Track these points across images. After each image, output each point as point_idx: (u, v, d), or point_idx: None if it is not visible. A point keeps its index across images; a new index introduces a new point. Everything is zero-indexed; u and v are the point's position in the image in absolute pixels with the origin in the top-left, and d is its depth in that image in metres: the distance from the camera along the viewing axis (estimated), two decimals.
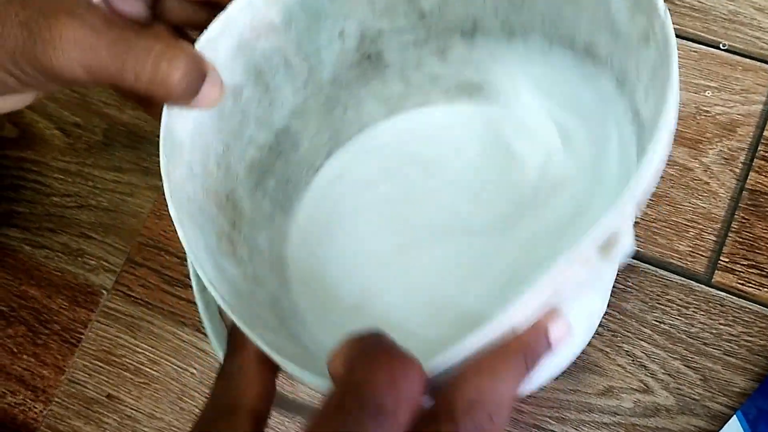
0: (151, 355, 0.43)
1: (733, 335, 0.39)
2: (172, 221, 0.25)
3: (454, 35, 0.35)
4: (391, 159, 0.39)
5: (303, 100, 0.35)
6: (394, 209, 0.38)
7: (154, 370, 0.43)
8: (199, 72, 0.26)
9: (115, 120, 0.49)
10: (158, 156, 0.27)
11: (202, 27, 0.28)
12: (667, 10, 0.25)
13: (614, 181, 0.33)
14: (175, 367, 0.43)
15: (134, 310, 0.44)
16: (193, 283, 0.30)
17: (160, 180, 0.26)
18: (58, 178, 0.48)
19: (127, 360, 0.43)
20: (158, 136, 0.27)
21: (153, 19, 0.31)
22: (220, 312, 0.29)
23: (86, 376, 0.44)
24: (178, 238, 0.25)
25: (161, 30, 0.31)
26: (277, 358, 0.23)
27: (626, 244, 0.23)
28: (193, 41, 0.28)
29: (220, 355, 0.27)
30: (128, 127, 0.48)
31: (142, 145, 0.48)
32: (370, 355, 0.20)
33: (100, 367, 0.44)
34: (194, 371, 0.43)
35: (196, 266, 0.25)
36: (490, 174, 0.37)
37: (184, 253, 0.25)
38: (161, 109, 0.27)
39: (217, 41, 0.29)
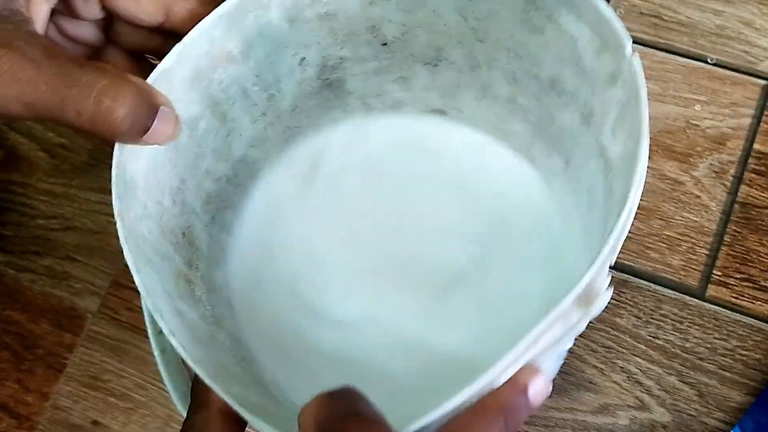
0: (138, 380, 0.42)
1: (728, 349, 0.39)
2: None
3: (417, 64, 0.35)
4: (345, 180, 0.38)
5: (262, 129, 0.34)
6: (344, 239, 0.36)
7: (141, 395, 0.42)
8: (149, 107, 0.25)
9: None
10: None
11: (158, 52, 0.27)
12: (635, 53, 0.25)
13: (585, 216, 0.32)
14: (162, 391, 0.42)
15: (120, 334, 0.43)
16: (148, 328, 0.29)
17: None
18: (43, 200, 0.47)
19: (113, 385, 0.42)
20: None
21: (107, 43, 0.30)
22: (183, 361, 0.28)
23: (71, 402, 0.42)
24: None
25: (115, 57, 0.30)
26: (245, 413, 0.22)
27: (605, 296, 0.23)
28: (152, 66, 0.27)
29: (180, 407, 0.26)
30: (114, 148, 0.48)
31: None
32: (340, 420, 0.19)
33: (86, 392, 0.42)
34: None
35: (155, 315, 0.24)
36: (451, 204, 0.36)
37: None
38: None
39: (171, 73, 0.27)
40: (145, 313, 0.29)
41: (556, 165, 0.34)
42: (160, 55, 0.27)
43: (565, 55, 0.29)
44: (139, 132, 0.25)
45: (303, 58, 0.33)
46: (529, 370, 0.22)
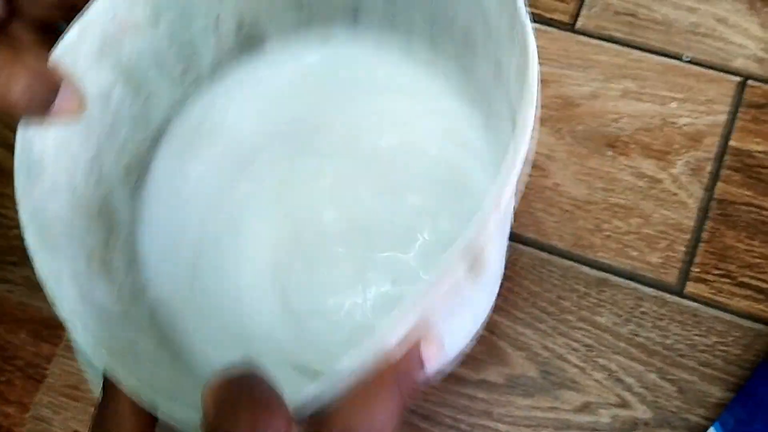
0: None
1: (707, 345, 0.39)
2: None
3: (337, 20, 0.34)
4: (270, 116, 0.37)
5: (182, 91, 0.34)
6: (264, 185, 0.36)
7: None
8: (49, 83, 0.24)
9: None
10: None
11: (67, 22, 0.26)
12: (528, 13, 0.24)
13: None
14: None
15: None
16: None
17: None
18: None
19: (94, 395, 0.42)
20: None
21: (11, 16, 0.29)
22: None
23: (52, 412, 0.42)
24: None
25: (20, 30, 0.29)
26: (143, 397, 0.22)
27: (493, 265, 0.22)
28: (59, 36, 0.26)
29: (96, 392, 0.25)
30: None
31: None
32: (235, 401, 0.19)
33: (66, 402, 0.42)
34: None
35: (53, 302, 0.23)
36: (380, 157, 0.36)
37: None
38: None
39: (76, 45, 0.27)
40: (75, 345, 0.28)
41: (478, 121, 0.34)
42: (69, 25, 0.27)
43: (473, 10, 0.29)
44: (40, 108, 0.24)
45: (217, 17, 0.32)
46: (422, 334, 0.21)
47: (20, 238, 0.45)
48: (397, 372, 0.21)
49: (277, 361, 0.31)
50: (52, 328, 0.44)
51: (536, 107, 0.23)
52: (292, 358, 0.32)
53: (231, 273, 0.34)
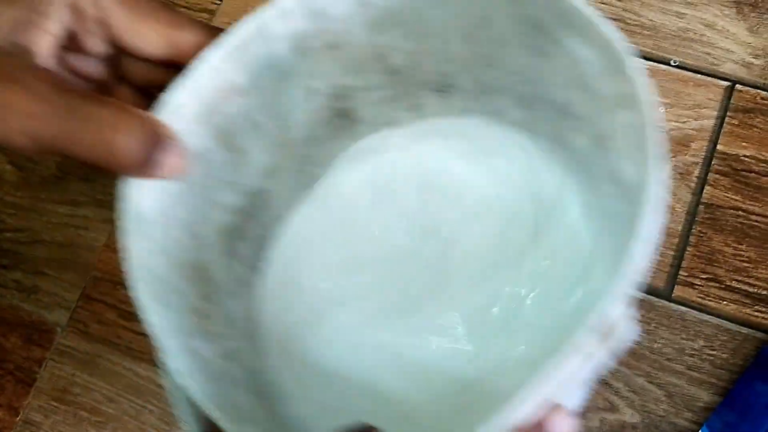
0: (108, 393, 0.42)
1: (695, 350, 0.39)
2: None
3: (426, 91, 0.34)
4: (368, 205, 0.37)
5: (274, 159, 0.34)
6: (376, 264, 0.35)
7: (111, 409, 0.42)
8: (157, 140, 0.25)
9: None
10: (113, 188, 0.25)
11: (167, 87, 0.27)
12: (640, 72, 0.24)
13: (614, 243, 0.31)
14: (133, 404, 0.42)
15: (90, 347, 0.43)
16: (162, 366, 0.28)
17: (115, 212, 0.25)
18: (11, 213, 0.47)
19: (84, 399, 0.42)
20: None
21: (116, 80, 0.30)
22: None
23: (42, 416, 0.42)
24: None
25: (124, 93, 0.30)
26: None
27: (625, 327, 0.23)
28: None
29: None
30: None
31: (97, 177, 0.47)
32: None
33: (56, 407, 0.42)
34: (152, 408, 0.41)
35: (167, 359, 0.23)
36: (477, 231, 0.35)
37: None
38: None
39: (179, 106, 0.27)
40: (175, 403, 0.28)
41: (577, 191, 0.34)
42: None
43: (574, 80, 0.28)
44: (148, 165, 0.25)
45: (310, 88, 0.32)
46: (550, 407, 0.22)
47: (11, 241, 0.46)
48: None
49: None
50: (43, 332, 0.44)
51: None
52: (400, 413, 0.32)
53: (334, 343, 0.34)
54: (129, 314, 0.43)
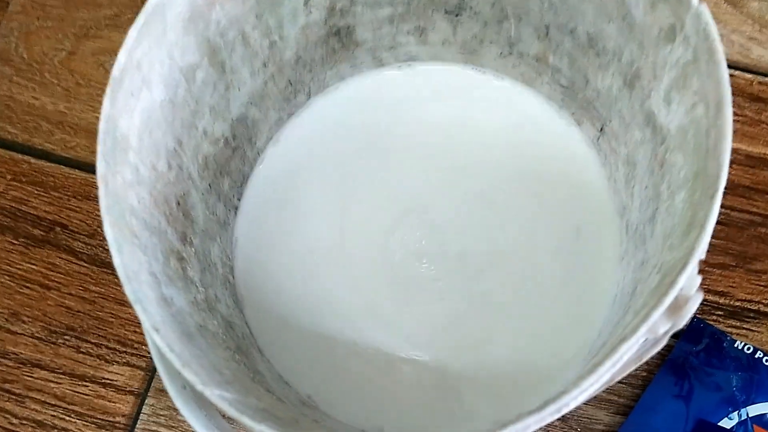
0: None
1: None
2: None
3: (438, 13, 0.31)
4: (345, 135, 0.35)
5: (262, 83, 0.32)
6: (351, 198, 0.34)
7: None
8: None
9: None
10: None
11: None
12: (703, 4, 0.22)
13: (621, 190, 0.30)
14: None
15: None
16: (159, 367, 0.26)
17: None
18: None
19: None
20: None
21: None
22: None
23: None
24: None
25: None
26: (246, 420, 0.22)
27: (695, 299, 0.21)
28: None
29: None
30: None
31: None
32: None
33: None
34: None
35: (136, 306, 0.22)
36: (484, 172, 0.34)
37: None
38: None
39: (165, 7, 0.24)
40: (153, 352, 0.26)
41: (588, 132, 0.32)
42: None
43: (609, 7, 0.26)
44: None
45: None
46: None
47: None
48: None
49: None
50: None
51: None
52: None
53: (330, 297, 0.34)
54: None
